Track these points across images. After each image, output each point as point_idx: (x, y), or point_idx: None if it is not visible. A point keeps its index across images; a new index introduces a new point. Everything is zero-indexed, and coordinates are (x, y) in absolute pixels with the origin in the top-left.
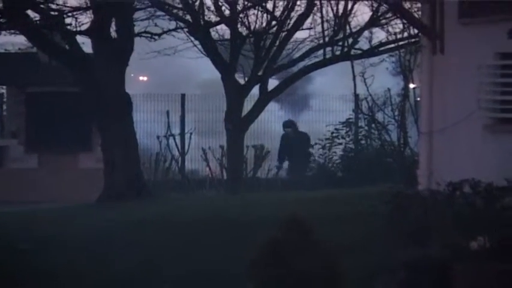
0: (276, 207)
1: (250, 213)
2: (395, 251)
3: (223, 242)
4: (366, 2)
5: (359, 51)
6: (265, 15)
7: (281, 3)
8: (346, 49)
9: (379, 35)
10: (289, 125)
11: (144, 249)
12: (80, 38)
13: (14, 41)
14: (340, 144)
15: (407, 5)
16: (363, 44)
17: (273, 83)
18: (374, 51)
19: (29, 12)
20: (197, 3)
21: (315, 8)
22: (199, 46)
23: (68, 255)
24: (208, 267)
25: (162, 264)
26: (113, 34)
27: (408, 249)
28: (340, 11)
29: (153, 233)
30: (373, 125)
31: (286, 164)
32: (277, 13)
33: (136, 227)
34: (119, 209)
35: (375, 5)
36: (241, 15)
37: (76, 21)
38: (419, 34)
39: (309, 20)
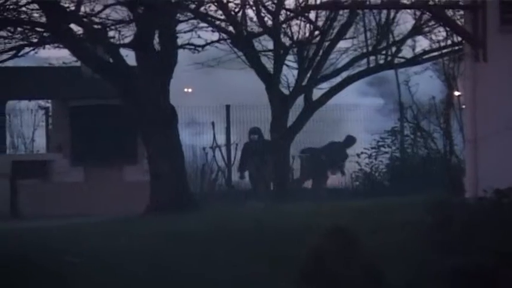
0: (321, 217)
1: (295, 222)
2: (443, 258)
3: (269, 252)
4: (409, 11)
5: (402, 60)
6: (308, 25)
7: (323, 13)
8: (389, 58)
9: (422, 43)
10: (255, 132)
11: (191, 262)
12: (123, 51)
13: (58, 55)
14: (386, 153)
15: (450, 13)
16: (406, 52)
17: (317, 93)
18: (417, 59)
19: (73, 26)
20: (240, 14)
21: (358, 17)
22: (243, 57)
23: (114, 268)
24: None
25: (210, 275)
26: (156, 46)
27: (455, 257)
28: (383, 19)
29: (200, 245)
30: (418, 133)
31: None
32: (320, 23)
33: (183, 239)
34: (165, 221)
35: (418, 13)
36: (284, 25)
37: (119, 34)
38: (462, 42)
39: (352, 29)
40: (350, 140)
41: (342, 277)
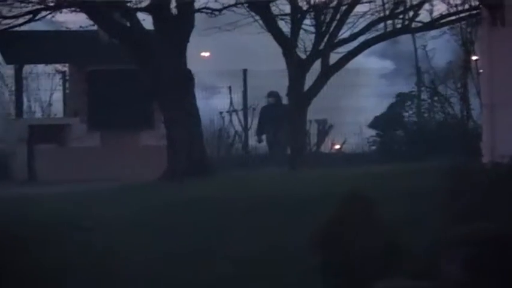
0: (337, 183)
1: (311, 189)
2: (458, 225)
3: (285, 220)
4: None
5: (420, 24)
6: None
7: None
8: (406, 22)
9: (440, 7)
10: (273, 95)
11: (204, 229)
12: (140, 15)
13: (75, 19)
14: (403, 117)
15: None
16: (424, 16)
17: (334, 57)
18: (435, 24)
19: None
20: None
21: None
22: (260, 21)
23: (127, 234)
24: (269, 245)
25: (223, 243)
26: (173, 10)
27: (471, 223)
28: None
29: (214, 212)
30: (435, 98)
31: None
32: None
33: (197, 206)
34: (181, 187)
35: None
36: None
37: None
38: (480, 6)
39: None
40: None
41: (358, 245)
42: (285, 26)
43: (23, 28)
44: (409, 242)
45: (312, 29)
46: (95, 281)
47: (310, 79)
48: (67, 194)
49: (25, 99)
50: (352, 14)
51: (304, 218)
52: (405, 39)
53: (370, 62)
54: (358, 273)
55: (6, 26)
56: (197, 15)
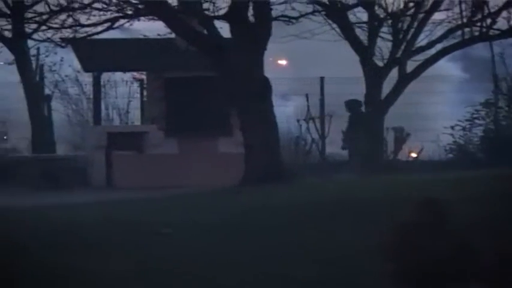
0: (412, 189)
1: (387, 195)
2: None
3: (359, 224)
4: None
5: (497, 32)
6: None
7: None
8: (484, 30)
9: None
10: (354, 104)
11: (281, 235)
12: (217, 23)
13: (153, 27)
14: (480, 125)
15: None
16: (501, 24)
17: (411, 65)
18: None
19: None
20: None
21: None
22: (337, 29)
23: (205, 240)
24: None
25: (300, 248)
26: (251, 18)
27: None
28: None
29: (291, 218)
30: None
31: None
32: None
33: (274, 212)
34: (258, 193)
35: None
36: None
37: (214, 6)
38: None
39: (447, 0)
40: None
41: (431, 250)
42: (362, 34)
43: (101, 36)
44: (485, 248)
45: (389, 36)
46: (174, 286)
47: (387, 87)
48: (145, 201)
49: (103, 107)
50: (429, 21)
51: (380, 223)
52: (482, 46)
53: (447, 69)
54: (434, 278)
55: (85, 34)
56: (274, 23)
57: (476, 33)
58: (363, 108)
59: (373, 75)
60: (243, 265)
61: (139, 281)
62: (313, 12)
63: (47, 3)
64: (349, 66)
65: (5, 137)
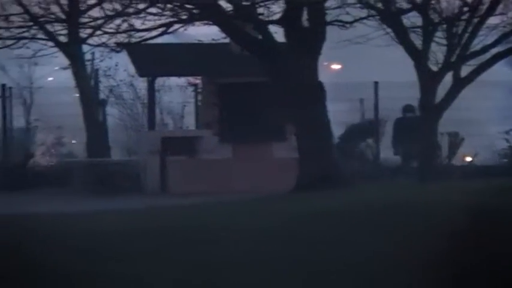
0: (468, 195)
1: (440, 200)
2: None
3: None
4: None
5: None
6: (456, 1)
7: None
8: None
9: None
10: (410, 109)
11: (336, 240)
12: (272, 28)
13: (207, 32)
14: None
15: None
16: None
17: (466, 70)
18: None
19: (222, 2)
20: None
21: None
22: (391, 33)
23: (259, 245)
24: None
25: (357, 253)
26: (305, 23)
27: None
28: None
29: (345, 223)
30: None
31: None
32: None
33: (329, 217)
34: (313, 198)
35: None
36: (432, 1)
37: (268, 10)
38: None
39: (501, 5)
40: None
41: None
42: (416, 38)
43: (156, 41)
44: None
45: (444, 41)
46: None
47: (441, 91)
48: (199, 206)
49: (157, 112)
50: (484, 26)
51: (439, 228)
52: None
53: (502, 74)
54: (489, 283)
55: (140, 39)
56: (328, 28)
57: None
58: (416, 113)
59: (428, 79)
60: (295, 271)
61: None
62: (367, 17)
63: (102, 8)
64: (403, 71)
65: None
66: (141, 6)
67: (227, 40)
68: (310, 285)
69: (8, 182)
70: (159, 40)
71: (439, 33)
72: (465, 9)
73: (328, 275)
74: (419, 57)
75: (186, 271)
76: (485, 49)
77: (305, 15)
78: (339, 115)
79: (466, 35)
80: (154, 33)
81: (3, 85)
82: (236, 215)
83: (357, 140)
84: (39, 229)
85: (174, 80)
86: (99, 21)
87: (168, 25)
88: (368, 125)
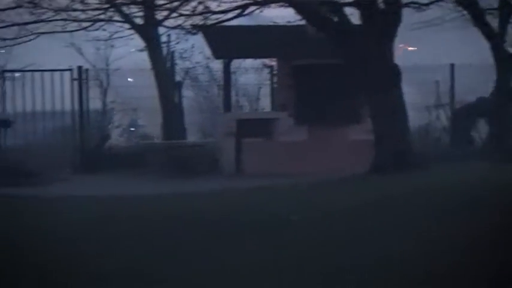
0: None
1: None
2: None
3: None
4: None
5: None
6: None
7: None
8: None
9: None
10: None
11: (412, 222)
12: (347, 10)
13: (283, 14)
14: None
15: None
16: None
17: None
18: None
19: None
20: None
21: None
22: (467, 16)
23: (333, 227)
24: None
25: (434, 236)
26: (381, 5)
27: None
28: None
29: (420, 206)
30: None
31: None
32: None
33: (403, 199)
34: (388, 181)
35: None
36: None
37: None
38: None
39: None
40: None
41: None
42: (492, 21)
43: (231, 23)
44: None
45: None
46: (306, 275)
47: None
48: (274, 188)
49: (233, 94)
50: None
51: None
52: None
53: None
54: None
55: (216, 21)
56: (404, 10)
57: None
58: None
59: (504, 62)
60: (375, 255)
61: (274, 269)
62: None
63: None
64: (480, 54)
65: (134, 127)
66: None
67: (303, 22)
68: (389, 264)
69: (85, 164)
70: (235, 22)
71: None
72: None
73: (406, 256)
74: (495, 39)
75: (260, 251)
76: None
77: None
78: (414, 97)
79: None
80: (230, 15)
81: (80, 67)
82: (308, 196)
83: (473, 120)
84: (118, 210)
85: (249, 62)
86: (175, 4)
87: (244, 7)
88: (484, 104)
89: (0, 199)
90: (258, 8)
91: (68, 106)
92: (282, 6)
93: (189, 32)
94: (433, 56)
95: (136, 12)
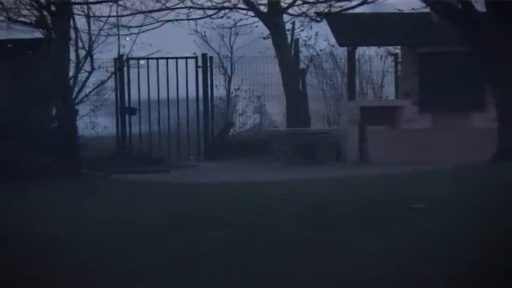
0: None
1: None
2: None
3: None
4: None
5: None
6: None
7: None
8: None
9: None
10: None
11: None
12: None
13: (407, 1)
14: None
15: None
16: None
17: None
18: None
19: None
20: None
21: None
22: None
23: (457, 216)
24: None
25: None
26: None
27: None
28: None
29: None
30: None
31: None
32: None
33: None
34: (508, 168)
35: None
36: None
37: None
38: None
39: None
40: None
41: None
42: None
43: (356, 10)
44: None
45: None
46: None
47: None
48: (398, 175)
49: (357, 82)
50: None
51: None
52: None
53: None
54: None
55: (340, 9)
56: None
57: None
58: None
59: None
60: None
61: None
62: None
63: None
64: None
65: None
66: None
67: (427, 9)
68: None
69: (210, 151)
70: (359, 10)
71: None
72: None
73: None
74: None
75: (383, 238)
76: None
77: None
78: None
79: None
80: (354, 2)
81: (204, 55)
82: (433, 184)
83: None
84: (253, 196)
85: (373, 50)
86: None
87: None
88: None
89: (133, 185)
90: None
91: (192, 93)
92: None
93: (313, 20)
94: None
95: (260, 0)
